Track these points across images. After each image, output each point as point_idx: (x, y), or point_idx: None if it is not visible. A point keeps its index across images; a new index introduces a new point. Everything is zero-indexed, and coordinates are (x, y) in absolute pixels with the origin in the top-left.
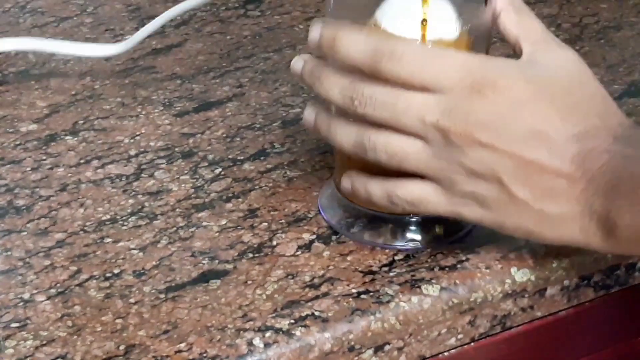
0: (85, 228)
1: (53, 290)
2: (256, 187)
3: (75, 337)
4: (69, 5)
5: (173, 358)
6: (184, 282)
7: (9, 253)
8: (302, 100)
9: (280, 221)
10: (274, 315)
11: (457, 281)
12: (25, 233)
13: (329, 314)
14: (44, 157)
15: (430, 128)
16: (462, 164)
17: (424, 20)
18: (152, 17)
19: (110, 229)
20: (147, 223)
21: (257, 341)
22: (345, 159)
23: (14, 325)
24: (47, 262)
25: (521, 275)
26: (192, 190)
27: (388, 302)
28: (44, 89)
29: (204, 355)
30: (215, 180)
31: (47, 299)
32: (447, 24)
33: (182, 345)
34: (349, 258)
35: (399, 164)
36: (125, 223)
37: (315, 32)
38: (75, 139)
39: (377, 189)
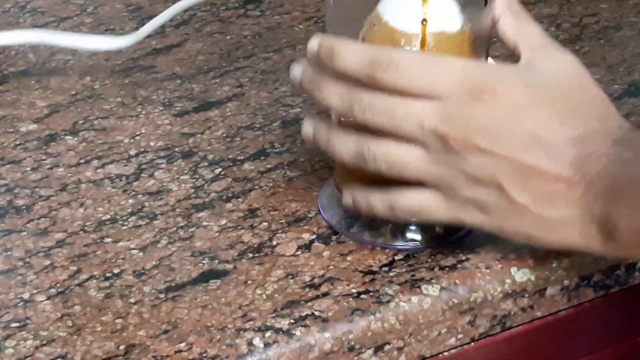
0: (85, 228)
1: (53, 290)
2: (256, 187)
3: (75, 337)
4: (69, 5)
5: (173, 358)
6: (184, 282)
7: (9, 253)
8: (302, 100)
9: (280, 221)
10: (274, 315)
11: (457, 281)
12: (25, 233)
13: (329, 314)
14: (44, 157)
15: (430, 134)
16: (462, 170)
17: (424, 20)
18: (152, 17)
19: (110, 229)
20: (147, 223)
21: (257, 341)
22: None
23: (14, 325)
24: (47, 262)
25: (521, 275)
26: (192, 190)
27: (388, 302)
28: (44, 89)
29: (204, 355)
30: (215, 180)
31: (47, 299)
32: (449, 18)
33: (182, 345)
34: (349, 258)
35: (399, 173)
36: (125, 223)
37: (314, 43)
38: (75, 138)
39: (378, 201)
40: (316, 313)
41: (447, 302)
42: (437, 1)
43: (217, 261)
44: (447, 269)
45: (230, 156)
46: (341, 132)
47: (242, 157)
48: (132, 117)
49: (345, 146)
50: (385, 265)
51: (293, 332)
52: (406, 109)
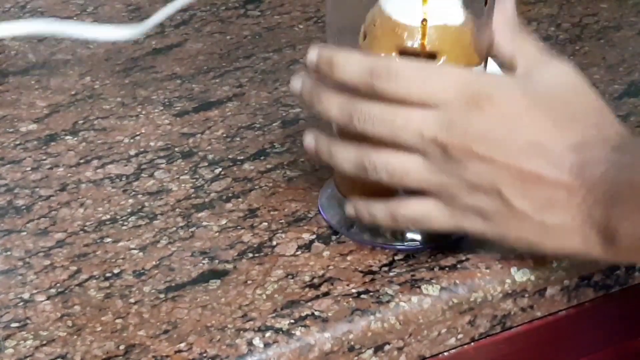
0: (85, 228)
1: (53, 290)
2: (256, 187)
3: (75, 337)
4: (69, 5)
5: (173, 358)
6: (184, 282)
7: (9, 253)
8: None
9: (280, 221)
10: (274, 315)
11: (457, 281)
12: (25, 233)
13: (329, 314)
14: (44, 157)
15: (429, 143)
16: (462, 178)
17: (424, 20)
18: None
19: (110, 229)
20: (147, 223)
21: (257, 341)
22: None
23: (14, 325)
24: (47, 262)
25: (521, 275)
26: (192, 190)
27: (388, 302)
28: (44, 89)
29: (204, 355)
30: (215, 180)
31: (47, 299)
32: (451, 10)
33: (182, 345)
34: (349, 258)
35: (400, 182)
36: (125, 223)
37: (313, 54)
38: (75, 138)
39: (380, 211)
40: (316, 313)
41: (447, 302)
42: None
43: (217, 261)
44: (447, 269)
45: (230, 156)
46: (342, 143)
47: (242, 157)
48: (132, 117)
49: (346, 157)
50: (385, 265)
51: (293, 332)
52: (406, 119)
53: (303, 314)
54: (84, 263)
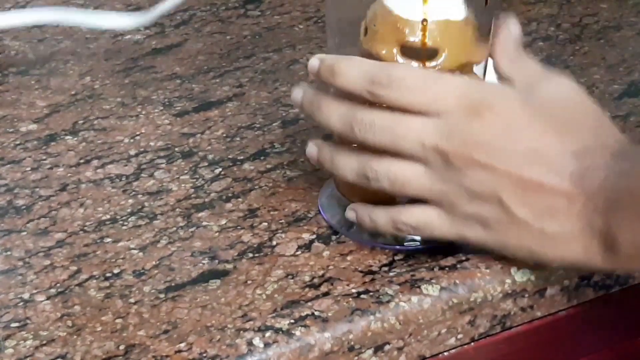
0: (85, 228)
1: (53, 290)
2: (256, 187)
3: (75, 337)
4: (68, 5)
5: (173, 358)
6: (184, 282)
7: (9, 253)
8: None
9: (280, 221)
10: (273, 315)
11: (457, 281)
12: (25, 233)
13: (329, 314)
14: (44, 157)
15: (430, 151)
16: (463, 186)
17: (424, 20)
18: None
19: (110, 229)
20: (147, 223)
21: (257, 341)
22: None
23: (13, 325)
24: (47, 262)
25: (521, 275)
26: (192, 190)
27: (388, 302)
28: (43, 89)
29: (204, 355)
30: (215, 180)
31: (47, 299)
32: (453, 5)
33: (182, 345)
34: (348, 258)
35: (402, 190)
36: (125, 223)
37: (315, 61)
38: (75, 138)
39: (381, 217)
40: (316, 313)
41: (447, 302)
42: None
43: (217, 261)
44: (447, 269)
45: (230, 156)
46: (344, 151)
47: (242, 157)
48: (132, 117)
49: (348, 166)
50: (385, 265)
51: (293, 332)
52: (406, 127)
53: (303, 314)
54: (84, 263)
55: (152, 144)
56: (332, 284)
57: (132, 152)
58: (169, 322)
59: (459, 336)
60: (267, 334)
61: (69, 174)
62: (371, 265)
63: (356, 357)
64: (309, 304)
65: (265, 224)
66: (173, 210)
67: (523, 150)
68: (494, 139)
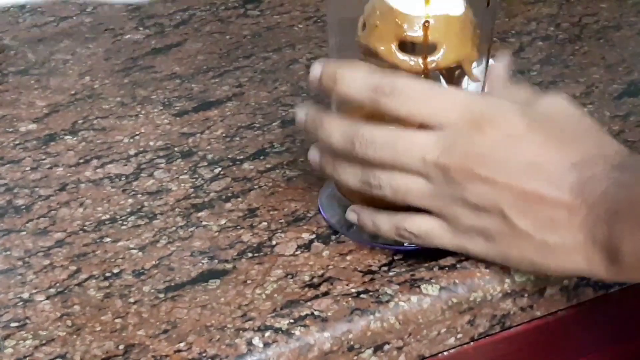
0: (84, 228)
1: (52, 290)
2: (255, 186)
3: (75, 336)
4: (68, 5)
5: (172, 358)
6: (184, 281)
7: (8, 253)
8: (302, 100)
9: (280, 221)
10: (273, 314)
11: (457, 281)
12: (24, 233)
13: (329, 314)
14: (44, 157)
15: (431, 166)
16: (464, 199)
17: (427, 21)
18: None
19: (109, 229)
20: (146, 223)
21: (257, 341)
22: None
23: (13, 324)
24: (47, 262)
25: (521, 274)
26: (192, 189)
27: (387, 301)
28: (43, 89)
29: (204, 354)
30: (215, 179)
31: (46, 299)
32: (453, 1)
33: (182, 344)
34: (348, 258)
35: (404, 199)
36: (125, 223)
37: (316, 70)
38: (75, 138)
39: (384, 223)
40: (315, 313)
41: (446, 301)
42: None
43: (216, 261)
44: (446, 268)
45: (229, 156)
46: (347, 158)
47: (241, 157)
48: (132, 116)
49: (351, 173)
50: (384, 265)
51: (292, 331)
52: (407, 142)
53: (302, 314)
54: (83, 263)
55: (151, 143)
56: (331, 284)
57: (132, 152)
58: (168, 322)
59: (459, 336)
60: (267, 334)
61: (68, 174)
62: (371, 265)
63: (356, 357)
64: (309, 303)
65: (265, 223)
66: (172, 210)
67: (523, 162)
68: (494, 153)
